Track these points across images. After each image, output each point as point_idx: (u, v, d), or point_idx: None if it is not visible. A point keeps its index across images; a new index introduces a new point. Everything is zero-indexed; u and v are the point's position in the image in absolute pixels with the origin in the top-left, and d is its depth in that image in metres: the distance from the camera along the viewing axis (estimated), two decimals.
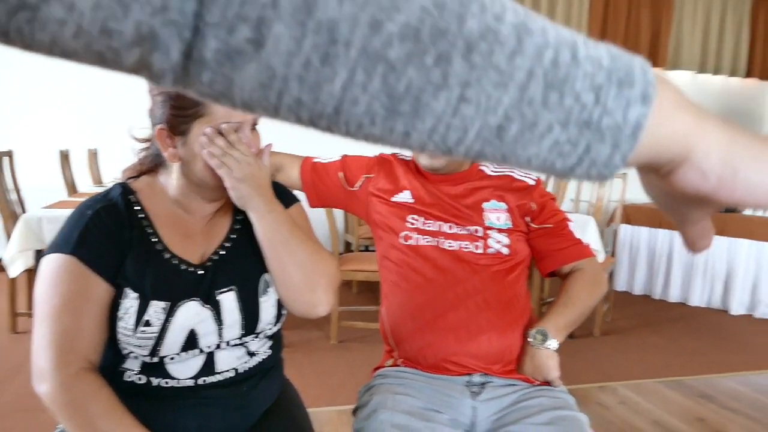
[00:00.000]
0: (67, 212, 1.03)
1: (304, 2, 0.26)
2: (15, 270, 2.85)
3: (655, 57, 6.22)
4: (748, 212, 4.59)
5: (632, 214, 4.84)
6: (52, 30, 0.25)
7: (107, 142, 4.73)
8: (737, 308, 4.38)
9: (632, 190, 6.00)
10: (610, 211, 4.35)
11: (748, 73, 6.56)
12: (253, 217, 1.04)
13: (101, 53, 0.27)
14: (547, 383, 1.30)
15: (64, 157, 4.21)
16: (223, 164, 0.98)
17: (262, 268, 1.07)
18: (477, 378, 1.28)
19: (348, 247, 4.81)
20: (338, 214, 4.13)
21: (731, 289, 4.42)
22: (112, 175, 4.48)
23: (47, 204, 3.16)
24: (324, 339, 3.33)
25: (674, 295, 4.66)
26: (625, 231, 4.86)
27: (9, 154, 3.54)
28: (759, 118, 6.82)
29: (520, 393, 1.27)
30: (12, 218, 3.16)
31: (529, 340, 1.29)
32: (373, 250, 4.37)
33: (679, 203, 0.36)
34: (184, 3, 0.25)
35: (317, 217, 5.22)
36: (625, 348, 3.48)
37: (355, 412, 1.31)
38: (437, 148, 0.31)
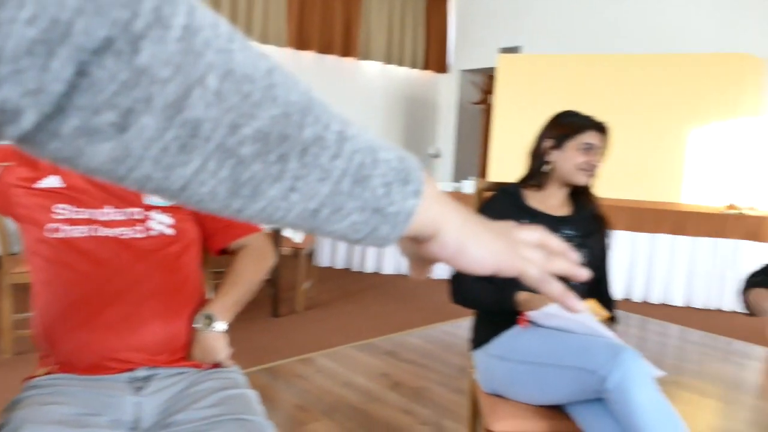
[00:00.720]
0: None
1: (176, 102, 0.29)
2: None
3: (348, 48, 6.71)
4: None
5: None
6: None
7: None
8: None
9: None
10: None
11: (426, 66, 7.51)
12: None
13: None
14: (217, 365, 1.30)
15: None
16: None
17: None
18: (141, 372, 1.21)
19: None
20: None
21: None
22: None
23: None
24: None
25: (370, 266, 5.14)
26: None
27: None
28: (435, 106, 7.86)
29: (189, 380, 1.24)
30: None
31: (195, 324, 1.27)
32: None
33: (420, 256, 0.49)
34: (53, 84, 0.26)
35: None
36: (325, 320, 3.72)
37: None
38: (262, 221, 0.38)
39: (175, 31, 0.29)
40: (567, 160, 1.64)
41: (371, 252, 5.12)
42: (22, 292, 3.79)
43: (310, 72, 6.54)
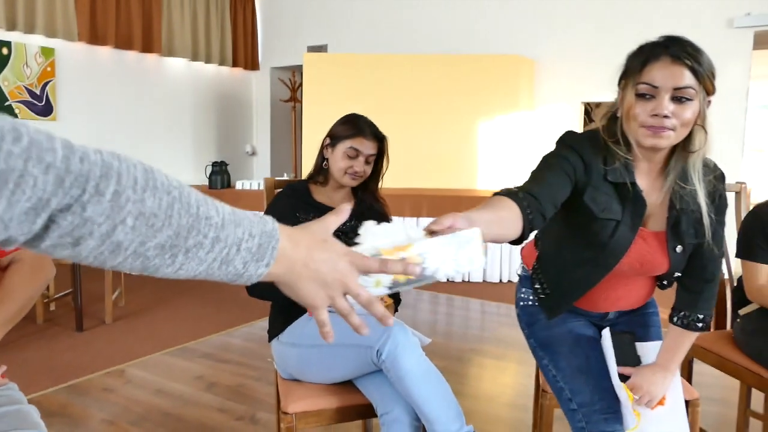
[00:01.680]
0: None
1: (107, 234, 0.52)
2: None
3: (150, 45, 6.41)
4: (239, 186, 5.26)
5: None
6: None
7: None
8: None
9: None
10: None
11: (235, 63, 7.42)
12: None
13: None
14: None
15: None
16: None
17: None
18: None
19: None
20: None
21: None
22: None
23: None
24: None
25: None
26: None
27: None
28: (248, 103, 7.81)
29: None
30: None
31: None
32: None
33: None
34: (36, 228, 0.49)
35: None
36: (136, 329, 3.58)
37: None
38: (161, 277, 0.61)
39: (107, 196, 0.51)
40: (335, 162, 1.79)
41: None
42: None
43: (108, 68, 6.15)
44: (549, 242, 1.52)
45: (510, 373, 3.07)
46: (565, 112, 5.93)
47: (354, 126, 1.79)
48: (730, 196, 2.18)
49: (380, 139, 1.84)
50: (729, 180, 1.55)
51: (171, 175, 0.60)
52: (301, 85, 6.35)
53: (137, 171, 0.55)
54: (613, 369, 1.40)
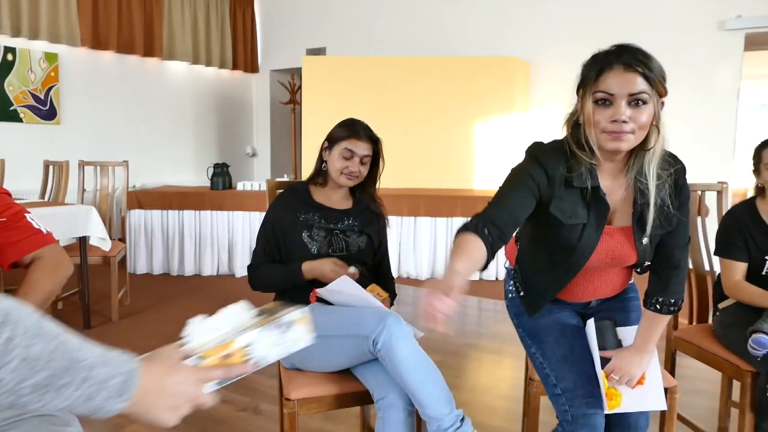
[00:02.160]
0: None
1: None
2: None
3: (151, 49, 6.52)
4: (240, 188, 5.37)
5: (143, 199, 5.06)
6: None
7: None
8: (241, 271, 5.12)
9: (141, 176, 6.20)
10: (119, 198, 4.45)
11: (234, 66, 7.54)
12: None
13: None
14: None
15: None
16: None
17: None
18: None
19: None
20: None
21: (234, 256, 5.13)
22: None
23: None
24: None
25: (189, 269, 5.12)
26: (138, 216, 5.05)
27: None
28: (248, 105, 7.92)
29: None
30: None
31: None
32: None
33: None
34: None
35: None
36: (142, 327, 3.69)
37: None
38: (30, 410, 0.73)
39: (0, 341, 0.62)
40: (332, 163, 1.91)
41: (189, 255, 5.10)
42: None
43: (111, 73, 6.26)
44: (524, 242, 1.65)
45: (505, 367, 3.18)
46: (560, 113, 6.02)
47: (349, 128, 1.91)
48: (712, 196, 2.30)
49: (374, 141, 1.95)
50: (715, 179, 1.65)
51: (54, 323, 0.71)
52: (300, 87, 6.46)
53: (30, 318, 0.67)
54: (596, 356, 1.51)
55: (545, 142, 1.51)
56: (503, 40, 6.20)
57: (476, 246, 1.26)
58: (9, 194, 1.50)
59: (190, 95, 7.12)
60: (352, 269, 1.81)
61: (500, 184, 1.47)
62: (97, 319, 3.71)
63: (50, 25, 5.62)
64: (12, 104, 5.46)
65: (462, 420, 1.57)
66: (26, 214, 1.49)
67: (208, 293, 4.55)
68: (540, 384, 1.68)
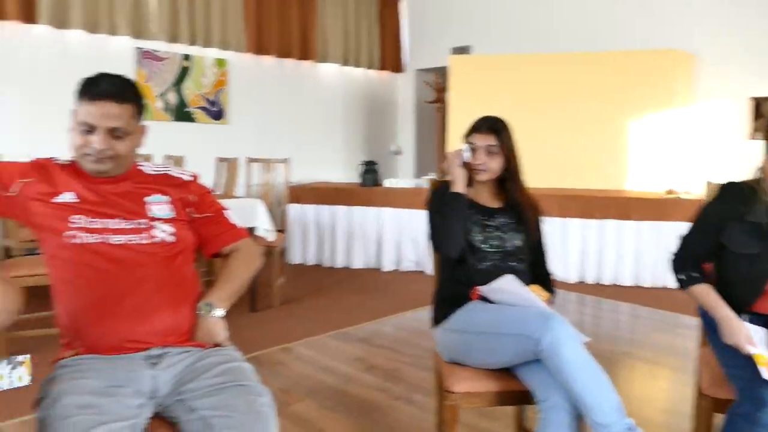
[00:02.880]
0: None
1: None
2: None
3: (306, 51, 6.92)
4: (388, 185, 5.55)
5: (300, 194, 5.41)
6: None
7: None
8: (388, 265, 5.29)
9: (297, 173, 6.61)
10: (280, 193, 4.80)
11: (382, 66, 7.77)
12: None
13: None
14: (217, 345, 1.54)
15: None
16: None
17: None
18: (155, 351, 1.44)
19: (8, 252, 4.31)
20: None
21: (382, 250, 5.32)
22: None
23: None
24: None
25: (340, 262, 5.39)
26: (294, 209, 5.40)
27: None
28: (394, 104, 8.13)
29: (195, 357, 1.48)
30: None
31: (199, 312, 1.51)
32: (38, 253, 4.01)
33: None
34: None
35: None
36: (300, 312, 3.96)
37: (37, 403, 1.35)
38: None
39: None
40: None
41: (341, 248, 5.37)
42: None
43: (271, 76, 6.73)
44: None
45: (665, 379, 3.01)
46: (731, 108, 5.53)
47: (473, 125, 1.99)
48: None
49: (496, 131, 1.94)
50: None
51: None
52: (445, 86, 6.52)
53: None
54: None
55: (737, 181, 1.77)
56: (661, 32, 5.80)
57: (713, 290, 1.75)
58: (211, 192, 1.71)
59: (340, 95, 7.46)
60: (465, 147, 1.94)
61: (696, 221, 1.85)
62: (260, 304, 4.04)
63: (221, 34, 6.17)
64: (187, 106, 6.08)
65: (632, 430, 1.52)
66: (225, 211, 1.68)
67: (358, 285, 4.77)
68: (712, 401, 1.66)
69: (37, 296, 3.93)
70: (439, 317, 1.91)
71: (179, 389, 1.40)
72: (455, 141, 5.78)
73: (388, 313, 3.95)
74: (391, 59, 7.84)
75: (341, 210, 5.38)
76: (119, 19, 5.43)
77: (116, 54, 5.47)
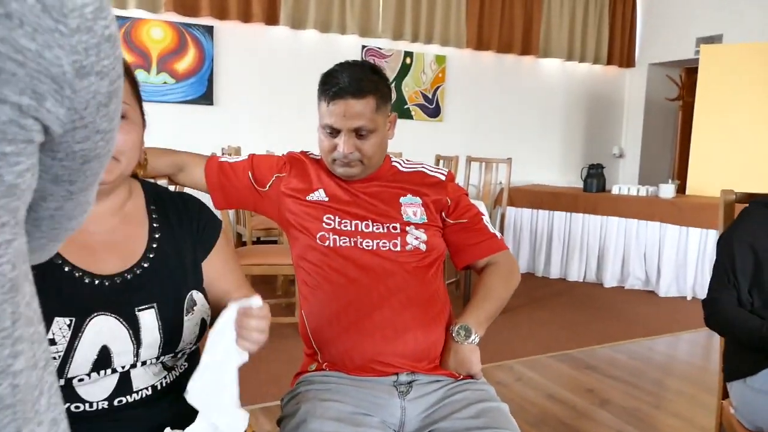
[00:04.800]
0: None
1: None
2: None
3: (528, 47, 6.56)
4: (615, 191, 4.99)
5: (515, 196, 5.09)
6: None
7: None
8: (610, 281, 4.76)
9: (515, 172, 6.29)
10: (494, 194, 4.54)
11: (609, 61, 7.10)
12: None
13: None
14: (470, 376, 1.32)
15: None
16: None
17: (190, 285, 1.01)
18: (404, 377, 1.27)
19: (240, 239, 4.66)
20: None
21: (604, 264, 4.80)
22: None
23: None
24: None
25: (555, 272, 4.98)
26: (509, 212, 5.10)
27: None
28: (619, 103, 7.40)
29: (446, 389, 1.28)
30: None
31: (453, 336, 1.30)
32: (267, 242, 4.25)
33: None
34: None
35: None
36: (515, 325, 3.66)
37: (280, 422, 1.25)
38: None
39: None
40: None
41: (556, 257, 4.96)
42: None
43: (489, 72, 6.50)
44: None
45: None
46: None
47: None
48: None
49: None
50: None
51: None
52: (684, 82, 5.70)
53: None
54: None
55: None
56: None
57: None
58: (467, 194, 1.50)
59: (561, 92, 6.98)
60: None
61: None
62: None
63: (442, 30, 6.09)
64: (406, 103, 6.10)
65: None
66: (483, 217, 1.46)
67: (577, 300, 4.33)
68: None
69: (265, 282, 4.18)
70: (736, 370, 1.50)
71: (429, 427, 1.21)
72: (702, 144, 5.00)
73: (619, 338, 3.48)
74: (620, 53, 7.13)
75: (560, 216, 4.95)
76: (348, 19, 5.62)
77: (345, 52, 5.66)
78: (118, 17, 4.74)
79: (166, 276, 1.00)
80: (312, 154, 1.48)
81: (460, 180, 4.62)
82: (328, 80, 1.32)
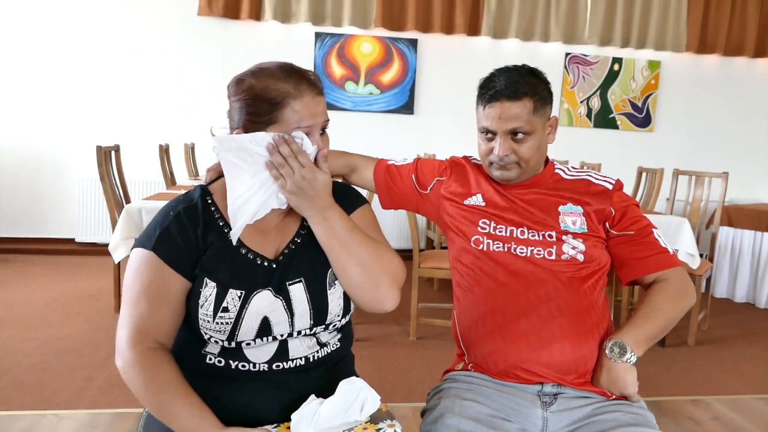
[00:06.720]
0: (164, 203, 1.15)
1: None
2: (118, 255, 3.06)
3: (763, 48, 5.78)
4: None
5: (734, 216, 4.52)
6: None
7: (202, 137, 5.00)
8: None
9: (734, 189, 5.59)
10: (708, 212, 4.08)
11: None
12: (310, 224, 1.10)
13: None
14: (624, 397, 1.25)
15: (164, 151, 4.48)
16: (280, 175, 1.04)
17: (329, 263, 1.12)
18: (549, 388, 1.25)
19: (430, 243, 4.82)
20: None
21: None
22: (206, 168, 4.76)
23: (147, 195, 3.31)
24: (403, 335, 3.35)
25: None
26: (726, 234, 4.55)
27: (116, 148, 3.80)
28: None
29: (595, 406, 1.23)
30: (118, 208, 3.41)
31: (605, 352, 1.25)
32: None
33: None
34: None
35: (400, 213, 5.22)
36: (721, 359, 3.27)
37: (423, 414, 1.31)
38: None
39: None
40: None
41: None
42: (425, 284, 4.41)
43: (712, 78, 5.86)
44: None
45: None
46: None
47: None
48: None
49: None
50: None
51: None
52: None
53: None
54: None
55: None
56: None
57: None
58: (638, 205, 1.41)
59: None
60: None
61: None
62: (672, 338, 3.50)
63: (657, 34, 5.65)
64: (612, 112, 5.77)
65: None
66: (654, 230, 1.36)
67: None
68: None
69: (449, 288, 4.28)
70: None
71: None
72: None
73: None
74: None
75: None
76: (552, 26, 5.50)
77: (548, 60, 5.54)
78: (334, 34, 5.23)
79: (310, 255, 1.12)
80: (474, 159, 1.52)
81: (664, 195, 4.25)
82: (485, 84, 1.35)
